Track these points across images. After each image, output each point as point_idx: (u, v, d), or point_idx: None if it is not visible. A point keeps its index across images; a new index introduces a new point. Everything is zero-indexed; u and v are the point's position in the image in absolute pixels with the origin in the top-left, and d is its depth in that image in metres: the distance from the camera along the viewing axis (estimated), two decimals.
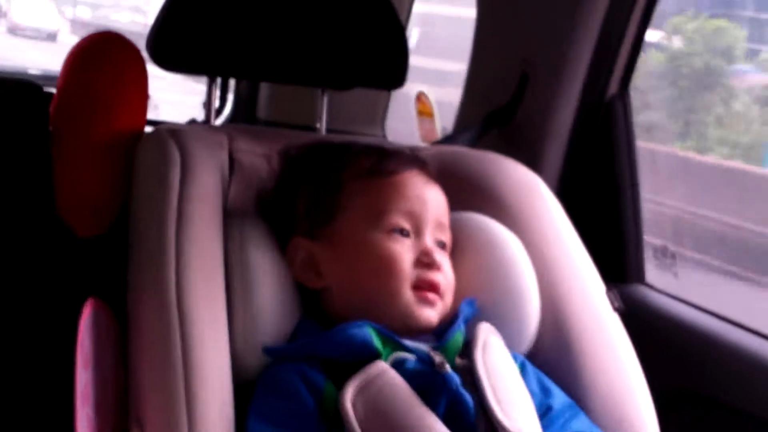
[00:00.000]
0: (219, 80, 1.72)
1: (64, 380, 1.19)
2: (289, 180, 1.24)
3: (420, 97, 2.31)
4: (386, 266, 1.13)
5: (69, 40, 7.76)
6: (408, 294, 1.13)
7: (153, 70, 1.45)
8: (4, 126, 1.41)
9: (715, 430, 1.48)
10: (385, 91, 2.36)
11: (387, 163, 1.20)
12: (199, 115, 2.10)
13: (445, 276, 1.16)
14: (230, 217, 1.20)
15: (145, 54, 1.44)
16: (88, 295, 1.20)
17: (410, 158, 1.23)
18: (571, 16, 1.67)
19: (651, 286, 1.72)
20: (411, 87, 2.11)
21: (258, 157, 1.30)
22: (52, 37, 8.86)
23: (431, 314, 1.13)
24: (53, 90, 1.46)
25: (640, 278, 1.73)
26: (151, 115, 1.48)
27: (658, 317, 1.62)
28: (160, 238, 1.15)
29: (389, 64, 1.52)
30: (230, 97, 2.51)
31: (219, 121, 2.48)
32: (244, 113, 2.45)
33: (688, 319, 1.59)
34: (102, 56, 1.41)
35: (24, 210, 1.42)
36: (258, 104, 2.43)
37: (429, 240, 1.16)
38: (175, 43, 1.44)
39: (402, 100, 2.38)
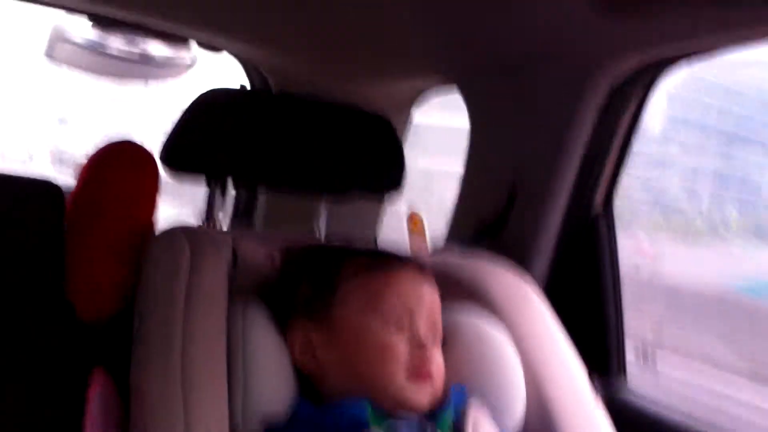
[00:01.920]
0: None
1: None
2: (289, 275, 1.31)
3: (412, 217, 2.38)
4: (382, 354, 1.18)
5: None
6: (402, 380, 1.18)
7: None
8: (25, 220, 1.48)
9: None
10: (379, 207, 2.44)
11: (383, 260, 1.27)
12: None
13: (437, 366, 1.22)
14: (234, 304, 1.26)
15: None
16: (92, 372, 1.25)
17: (406, 257, 1.31)
18: (558, 136, 1.75)
19: (633, 392, 1.77)
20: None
21: (261, 255, 1.38)
22: None
23: (424, 396, 1.19)
24: None
25: (622, 373, 1.79)
26: None
27: (640, 411, 1.67)
28: (166, 320, 1.22)
29: (386, 171, 1.60)
30: (229, 209, 2.57)
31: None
32: (242, 219, 2.52)
33: (667, 417, 1.63)
34: (118, 160, 1.50)
35: (36, 301, 1.48)
36: (256, 211, 2.51)
37: (422, 331, 1.22)
38: (183, 148, 1.52)
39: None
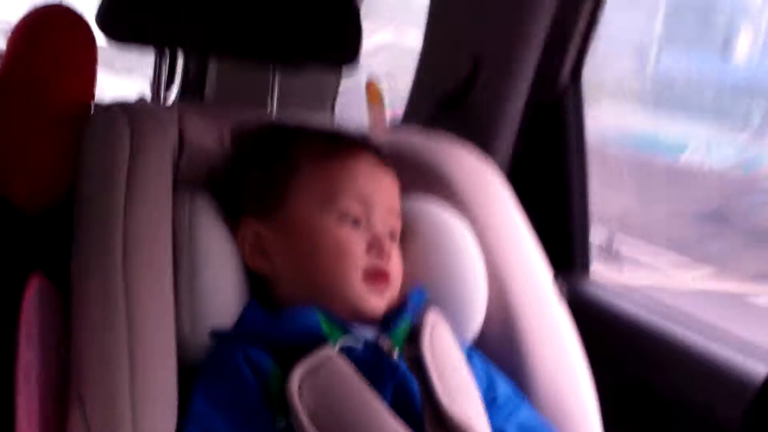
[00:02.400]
0: (167, 57, 1.69)
1: (6, 359, 1.16)
2: (240, 159, 1.22)
3: (370, 85, 2.30)
4: (336, 253, 1.12)
5: None
6: (357, 282, 1.11)
7: None
8: None
9: (656, 422, 1.49)
10: (335, 75, 2.35)
11: (340, 146, 1.19)
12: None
13: (394, 265, 1.15)
14: (179, 196, 1.17)
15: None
16: (33, 270, 1.18)
17: (363, 143, 1.22)
18: (523, 4, 1.67)
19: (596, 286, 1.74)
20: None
21: (208, 135, 1.28)
22: None
23: (380, 302, 1.13)
24: None
25: (585, 268, 1.74)
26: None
27: (602, 307, 1.64)
28: (107, 216, 1.13)
29: (342, 42, 1.50)
30: (178, 76, 2.48)
31: (168, 99, 2.46)
32: (192, 92, 2.43)
33: (631, 311, 1.61)
34: (49, 28, 1.38)
35: None
36: (206, 84, 2.41)
37: (380, 227, 1.15)
38: (124, 15, 1.42)
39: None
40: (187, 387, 1.05)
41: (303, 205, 1.14)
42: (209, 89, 2.41)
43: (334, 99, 2.42)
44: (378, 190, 1.17)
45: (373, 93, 2.27)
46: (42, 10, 1.41)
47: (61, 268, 1.16)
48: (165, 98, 1.65)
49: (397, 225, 1.19)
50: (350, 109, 2.47)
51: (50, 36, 1.38)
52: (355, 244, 1.12)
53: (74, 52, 1.38)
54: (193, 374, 1.06)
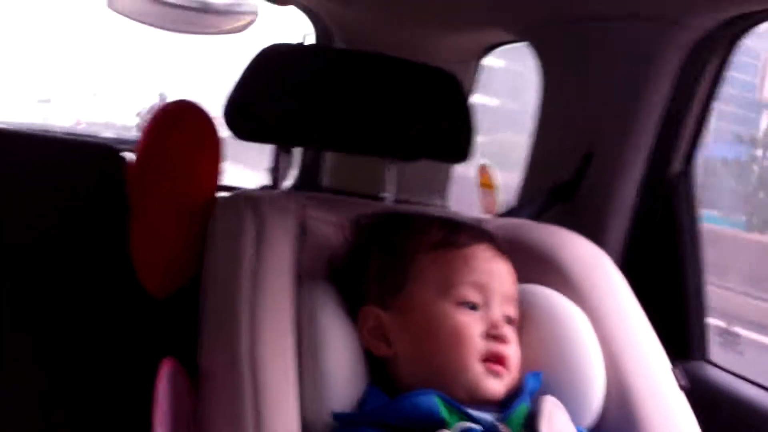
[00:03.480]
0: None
1: None
2: (360, 247, 1.26)
3: (482, 170, 2.33)
4: (455, 338, 1.14)
5: None
6: (476, 366, 1.14)
7: None
8: (85, 188, 1.45)
9: None
10: (448, 164, 2.38)
11: (457, 235, 1.22)
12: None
13: (512, 349, 1.17)
14: (302, 283, 1.22)
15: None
16: (165, 354, 1.23)
17: (479, 231, 1.25)
18: (636, 95, 1.68)
19: (715, 364, 1.71)
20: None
21: (329, 225, 1.33)
22: None
23: (498, 386, 1.14)
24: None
25: (703, 355, 1.72)
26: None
27: (722, 396, 1.60)
28: (233, 302, 1.18)
29: (455, 138, 1.54)
30: (295, 165, 2.55)
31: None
32: (308, 180, 2.49)
33: (752, 397, 1.57)
34: (179, 124, 1.46)
35: (102, 271, 1.45)
36: (321, 173, 2.47)
37: (497, 313, 1.17)
38: (250, 113, 1.48)
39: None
40: None
41: (422, 293, 1.17)
42: (325, 178, 2.48)
43: (447, 187, 2.45)
44: (494, 279, 1.19)
45: (485, 178, 2.31)
46: (172, 106, 1.49)
47: (189, 352, 1.21)
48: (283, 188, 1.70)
49: (515, 312, 1.21)
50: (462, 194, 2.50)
51: (180, 132, 1.45)
52: (473, 328, 1.15)
53: (202, 147, 1.45)
54: None
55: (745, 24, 1.60)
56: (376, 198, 1.66)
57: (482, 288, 1.18)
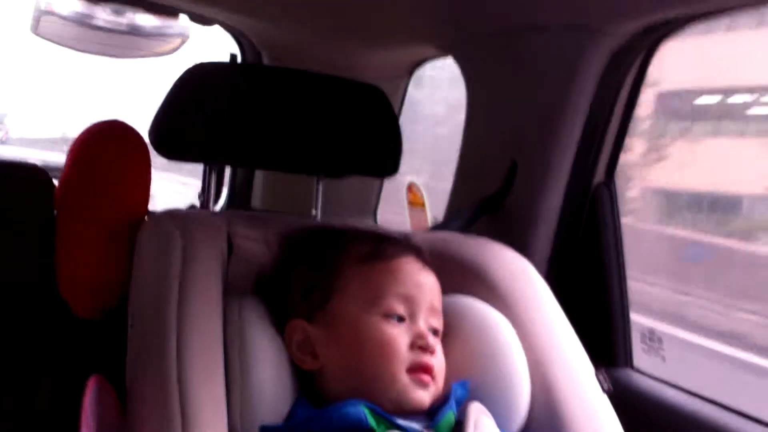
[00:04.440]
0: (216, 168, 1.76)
1: None
2: (287, 262, 1.27)
3: (411, 188, 2.35)
4: (382, 350, 1.15)
5: None
6: (403, 377, 1.15)
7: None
8: (12, 207, 1.44)
9: None
10: (377, 181, 2.40)
11: (383, 248, 1.23)
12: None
13: (437, 360, 1.19)
14: (229, 298, 1.22)
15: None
16: (90, 373, 1.22)
17: (406, 244, 1.27)
18: (560, 104, 1.71)
19: (639, 370, 1.74)
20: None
21: (256, 241, 1.34)
22: None
23: (424, 396, 1.16)
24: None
25: (628, 362, 1.75)
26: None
27: (647, 401, 1.64)
28: (161, 318, 1.18)
29: (383, 153, 1.56)
30: (225, 187, 2.56)
31: (216, 208, 2.52)
32: (239, 201, 2.49)
33: (676, 402, 1.61)
34: (107, 143, 1.45)
35: (27, 290, 1.44)
36: (252, 193, 2.47)
37: (423, 324, 1.19)
38: (175, 133, 1.48)
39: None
40: None
41: (349, 306, 1.18)
42: (255, 198, 2.48)
43: (377, 204, 2.47)
44: (421, 291, 1.21)
45: (414, 196, 2.33)
46: (100, 125, 1.48)
47: (117, 371, 1.20)
48: (212, 207, 1.70)
49: (440, 323, 1.23)
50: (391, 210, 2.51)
51: (108, 151, 1.44)
52: (400, 340, 1.16)
53: (129, 167, 1.45)
54: None
55: (665, 30, 1.63)
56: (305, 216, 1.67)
57: (409, 300, 1.19)
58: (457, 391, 1.19)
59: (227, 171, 2.51)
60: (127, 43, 2.50)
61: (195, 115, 1.48)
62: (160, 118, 1.47)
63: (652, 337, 1.85)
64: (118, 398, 1.20)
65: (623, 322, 1.74)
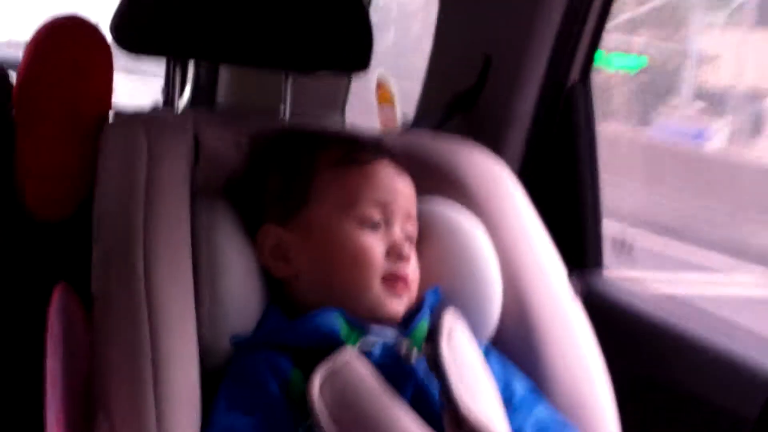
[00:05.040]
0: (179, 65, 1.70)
1: (34, 368, 1.18)
2: (259, 166, 1.23)
3: (380, 85, 2.31)
4: (357, 259, 1.13)
5: None
6: (377, 286, 1.13)
7: None
8: None
9: (672, 417, 1.50)
10: (345, 77, 2.35)
11: (359, 152, 1.20)
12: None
13: (412, 269, 1.17)
14: (198, 202, 1.19)
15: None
16: (56, 281, 1.20)
17: (381, 148, 1.24)
18: (534, 2, 1.67)
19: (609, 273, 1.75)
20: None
21: (225, 142, 1.30)
22: None
23: (399, 305, 1.14)
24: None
25: (599, 264, 1.75)
26: None
27: (617, 304, 1.65)
28: (126, 224, 1.15)
29: (353, 48, 1.52)
30: (189, 83, 2.50)
31: (180, 105, 2.47)
32: (203, 98, 2.44)
33: (645, 305, 1.61)
34: (66, 39, 1.40)
35: None
36: (217, 88, 2.42)
37: (398, 231, 1.17)
38: (137, 26, 1.43)
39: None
40: (211, 393, 1.07)
41: (323, 211, 1.16)
42: (221, 95, 2.42)
43: (345, 102, 2.42)
44: (397, 197, 1.18)
45: (383, 94, 2.28)
46: (57, 21, 1.42)
47: (82, 278, 1.18)
48: (177, 106, 1.65)
49: (414, 229, 1.21)
50: (360, 109, 2.47)
51: (66, 47, 1.39)
52: (375, 249, 1.14)
53: (90, 63, 1.39)
54: (217, 380, 1.08)
55: None
56: (272, 114, 1.63)
57: (384, 206, 1.17)
58: (430, 298, 1.18)
59: (190, 66, 2.45)
60: None
61: (158, 7, 1.43)
62: (122, 10, 1.42)
63: (624, 245, 1.86)
64: (86, 307, 1.17)
65: (595, 224, 1.74)
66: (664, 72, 6.83)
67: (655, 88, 6.91)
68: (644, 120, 7.04)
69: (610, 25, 1.74)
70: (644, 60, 6.72)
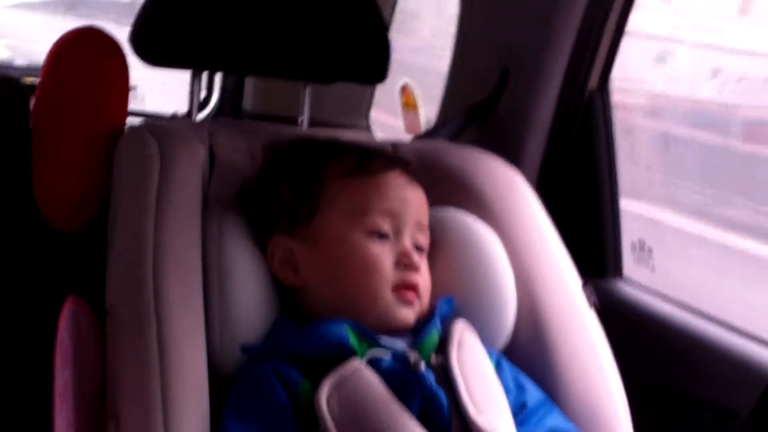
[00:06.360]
0: (205, 73, 1.71)
1: (43, 378, 1.19)
2: (270, 176, 1.24)
3: (404, 90, 2.31)
4: (366, 269, 1.14)
5: None
6: (388, 295, 1.13)
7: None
8: None
9: (688, 424, 1.49)
10: (367, 87, 2.36)
11: (369, 162, 1.20)
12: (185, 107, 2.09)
13: (422, 277, 1.17)
14: (209, 212, 1.20)
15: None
16: (68, 292, 1.21)
17: (392, 158, 1.24)
18: (552, 12, 1.67)
19: (629, 281, 1.74)
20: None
21: (239, 152, 1.31)
22: None
23: (409, 314, 1.14)
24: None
25: (618, 273, 1.74)
26: (137, 105, 1.48)
27: (634, 312, 1.64)
28: (138, 234, 1.16)
29: (371, 59, 1.52)
30: (216, 89, 2.51)
31: (205, 113, 2.49)
32: (229, 105, 2.46)
33: (664, 313, 1.60)
34: (83, 51, 1.41)
35: (3, 205, 1.42)
36: (243, 97, 2.43)
37: (408, 241, 1.17)
38: (159, 37, 1.44)
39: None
40: (220, 401, 1.08)
41: (332, 221, 1.16)
42: (247, 103, 2.44)
43: (369, 108, 2.43)
44: (407, 206, 1.18)
45: (407, 98, 2.29)
46: (76, 33, 1.44)
47: (94, 288, 1.19)
48: (195, 116, 1.66)
49: (425, 239, 1.21)
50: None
51: (83, 59, 1.40)
52: (384, 258, 1.14)
53: (107, 75, 1.41)
54: (226, 388, 1.09)
55: None
56: (296, 121, 1.64)
57: (394, 216, 1.17)
58: (442, 308, 1.17)
59: (218, 75, 2.47)
60: None
61: (179, 19, 1.44)
62: (142, 23, 1.43)
63: (642, 247, 1.85)
64: (97, 317, 1.18)
65: (614, 232, 1.73)
66: None
67: None
68: None
69: None
70: None
